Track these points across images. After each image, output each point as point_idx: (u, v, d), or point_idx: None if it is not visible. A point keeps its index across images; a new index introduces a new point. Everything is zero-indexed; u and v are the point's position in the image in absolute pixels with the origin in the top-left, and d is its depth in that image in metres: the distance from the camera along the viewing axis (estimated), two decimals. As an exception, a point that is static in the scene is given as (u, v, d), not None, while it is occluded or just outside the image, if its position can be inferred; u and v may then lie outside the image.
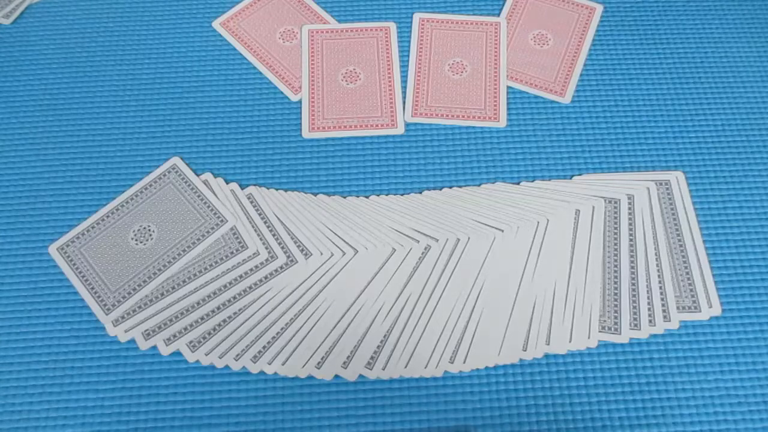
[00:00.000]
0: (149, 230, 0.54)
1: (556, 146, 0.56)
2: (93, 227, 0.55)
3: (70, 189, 0.57)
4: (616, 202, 0.55)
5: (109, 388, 0.52)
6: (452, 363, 0.54)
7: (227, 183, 0.55)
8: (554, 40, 0.56)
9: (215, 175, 0.55)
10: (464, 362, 0.54)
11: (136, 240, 0.54)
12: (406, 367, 0.54)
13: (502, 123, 0.55)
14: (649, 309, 0.55)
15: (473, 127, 0.55)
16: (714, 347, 0.55)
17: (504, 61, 0.55)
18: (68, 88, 0.61)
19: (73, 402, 0.52)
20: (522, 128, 0.56)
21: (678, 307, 0.55)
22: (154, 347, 0.53)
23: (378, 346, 0.54)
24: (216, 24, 0.55)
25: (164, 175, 0.55)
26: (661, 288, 0.55)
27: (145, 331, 0.53)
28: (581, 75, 0.56)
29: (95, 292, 0.54)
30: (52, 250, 0.54)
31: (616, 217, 0.55)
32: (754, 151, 0.57)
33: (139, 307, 0.53)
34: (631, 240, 0.55)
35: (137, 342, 0.54)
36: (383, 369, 0.54)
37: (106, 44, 0.63)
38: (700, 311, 0.55)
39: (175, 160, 0.55)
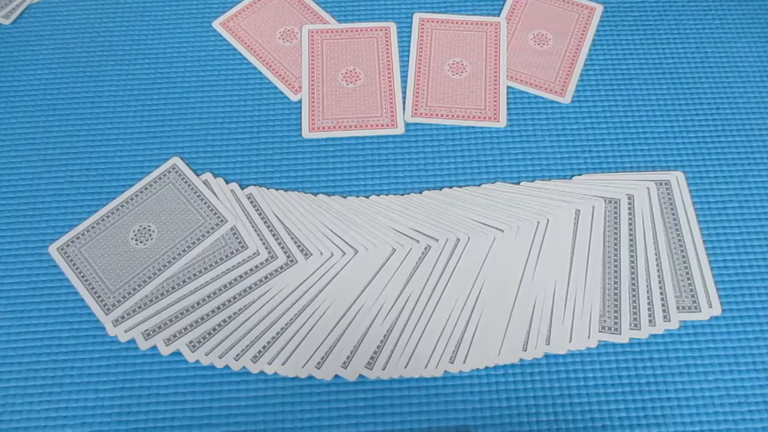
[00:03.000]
0: (149, 230, 0.54)
1: (556, 146, 0.56)
2: (93, 227, 0.54)
3: (70, 189, 0.57)
4: (616, 202, 0.55)
5: (109, 388, 0.52)
6: (452, 363, 0.54)
7: (227, 183, 0.55)
8: (554, 40, 0.55)
9: (215, 175, 0.55)
10: (464, 362, 0.54)
11: (136, 240, 0.54)
12: (406, 367, 0.54)
13: (502, 123, 0.55)
14: (649, 309, 0.55)
15: (473, 127, 0.55)
16: (714, 347, 0.55)
17: (504, 61, 0.55)
18: (68, 88, 0.61)
19: (73, 402, 0.52)
20: (522, 128, 0.56)
21: (678, 307, 0.55)
22: (154, 347, 0.53)
23: (378, 346, 0.54)
24: (216, 24, 0.55)
25: (164, 175, 0.55)
26: (661, 288, 0.55)
27: (145, 331, 0.53)
28: (581, 75, 0.56)
29: (95, 292, 0.53)
30: (52, 250, 0.54)
31: (616, 217, 0.55)
32: (754, 151, 0.57)
33: (139, 307, 0.53)
34: (631, 240, 0.55)
35: (137, 342, 0.53)
36: (383, 369, 0.54)
37: (106, 44, 0.63)
38: (700, 311, 0.55)
39: (175, 160, 0.55)
